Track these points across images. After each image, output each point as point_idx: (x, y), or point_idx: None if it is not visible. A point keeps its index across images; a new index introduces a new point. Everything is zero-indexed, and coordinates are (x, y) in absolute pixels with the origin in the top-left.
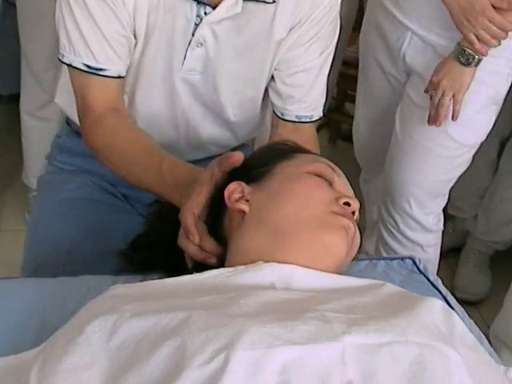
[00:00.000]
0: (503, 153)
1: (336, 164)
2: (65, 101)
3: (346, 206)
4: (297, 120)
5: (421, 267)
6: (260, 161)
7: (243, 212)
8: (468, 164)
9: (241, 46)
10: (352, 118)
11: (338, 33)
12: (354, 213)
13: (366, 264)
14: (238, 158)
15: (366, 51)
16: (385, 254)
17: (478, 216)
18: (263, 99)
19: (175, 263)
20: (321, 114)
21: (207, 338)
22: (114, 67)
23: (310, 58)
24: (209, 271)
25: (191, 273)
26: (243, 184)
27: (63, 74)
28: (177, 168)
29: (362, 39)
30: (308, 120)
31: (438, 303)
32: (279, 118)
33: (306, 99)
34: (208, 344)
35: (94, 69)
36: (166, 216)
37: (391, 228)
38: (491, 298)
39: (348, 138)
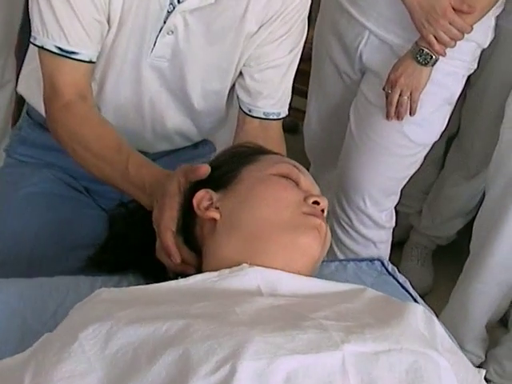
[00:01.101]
0: (449, 150)
1: None
2: (29, 90)
3: (315, 205)
4: (264, 117)
5: (389, 269)
6: (225, 166)
7: (214, 219)
8: (421, 162)
9: (211, 36)
10: (298, 111)
11: (306, 31)
12: (323, 211)
13: (337, 266)
14: (205, 170)
15: (320, 48)
16: (337, 250)
17: (422, 211)
18: (228, 96)
19: (148, 264)
20: (287, 112)
21: (211, 347)
22: (86, 51)
23: (281, 55)
24: (193, 276)
25: (171, 277)
26: (211, 191)
27: (28, 62)
28: (143, 168)
29: (317, 35)
30: (275, 117)
31: (420, 309)
32: (246, 114)
33: (275, 95)
34: (213, 353)
35: (65, 52)
36: (131, 219)
37: (344, 224)
38: (434, 291)
39: (291, 131)
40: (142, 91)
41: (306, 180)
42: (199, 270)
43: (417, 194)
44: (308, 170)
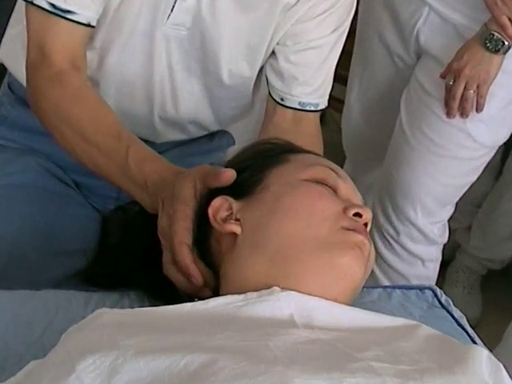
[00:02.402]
0: (508, 157)
1: None
2: (12, 57)
3: (357, 218)
4: (299, 107)
5: (442, 300)
6: (247, 167)
7: (234, 234)
8: (483, 169)
9: (241, 3)
10: (337, 101)
11: (354, 7)
12: (366, 224)
13: (380, 293)
14: (229, 177)
15: (367, 23)
16: (376, 268)
17: (472, 228)
18: (256, 79)
19: (152, 280)
20: (326, 104)
21: None
22: (85, 11)
23: (322, 34)
24: (214, 299)
25: (183, 297)
26: (230, 199)
27: (13, 24)
28: (146, 161)
29: (363, 9)
30: (313, 109)
31: (485, 354)
32: (278, 103)
33: (313, 82)
34: None
35: (60, 10)
36: (131, 225)
37: (388, 237)
38: (482, 325)
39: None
40: (153, 66)
41: (346, 186)
42: (216, 292)
43: (466, 207)
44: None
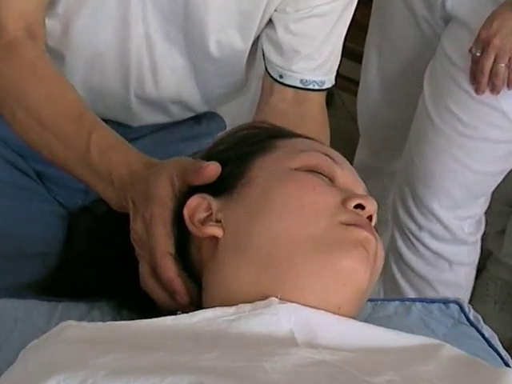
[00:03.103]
0: None
1: None
2: None
3: (359, 210)
4: (301, 86)
5: (470, 316)
6: (228, 159)
7: (215, 238)
8: None
9: None
10: (347, 80)
11: None
12: (370, 217)
13: (397, 307)
14: (213, 171)
15: None
16: (396, 271)
17: (505, 232)
18: (250, 52)
19: (126, 289)
20: (333, 82)
21: None
22: None
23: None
24: (200, 312)
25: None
26: (208, 197)
27: None
28: (112, 150)
29: None
30: (317, 87)
31: None
32: (276, 81)
33: (317, 57)
34: None
35: None
36: (98, 230)
37: (409, 234)
38: None
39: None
40: (128, 35)
41: (345, 174)
42: (199, 305)
43: (497, 207)
44: (352, 160)
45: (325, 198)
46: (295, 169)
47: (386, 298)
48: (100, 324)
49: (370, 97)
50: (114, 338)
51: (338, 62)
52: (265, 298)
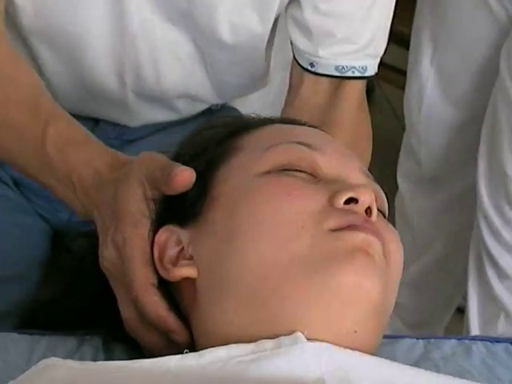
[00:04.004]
0: None
1: None
2: None
3: (352, 205)
4: (337, 74)
5: None
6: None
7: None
8: None
9: None
10: (391, 69)
11: None
12: (368, 211)
13: (454, 346)
14: (188, 178)
15: None
16: (492, 275)
17: None
18: (270, 36)
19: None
20: (376, 69)
21: None
22: None
23: None
24: (211, 351)
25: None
26: (175, 228)
27: None
28: (70, 147)
29: None
30: (358, 74)
31: None
32: (306, 70)
33: (357, 39)
34: None
35: None
36: (87, 252)
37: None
38: None
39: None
40: (122, 16)
41: (329, 160)
42: (191, 346)
43: None
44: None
45: (305, 204)
46: (264, 172)
47: (440, 336)
48: (89, 363)
49: (424, 94)
50: (105, 380)
51: (384, 44)
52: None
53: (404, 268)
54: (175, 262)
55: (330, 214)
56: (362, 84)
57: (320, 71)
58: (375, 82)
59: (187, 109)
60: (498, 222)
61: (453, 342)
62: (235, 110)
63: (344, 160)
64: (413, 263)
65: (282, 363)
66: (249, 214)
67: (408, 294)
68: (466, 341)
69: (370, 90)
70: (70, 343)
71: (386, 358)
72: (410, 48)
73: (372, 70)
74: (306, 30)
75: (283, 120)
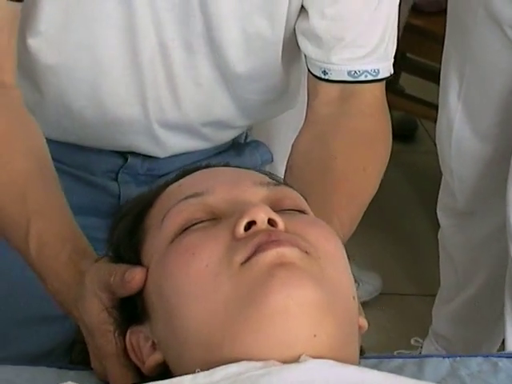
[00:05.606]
0: None
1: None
2: None
3: (253, 227)
4: (350, 79)
5: None
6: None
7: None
8: None
9: None
10: (416, 100)
11: None
12: (272, 223)
13: (480, 364)
14: (139, 280)
15: None
16: None
17: None
18: (288, 51)
19: None
20: (391, 70)
21: None
22: None
23: None
24: (222, 368)
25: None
26: (139, 327)
27: None
28: (45, 252)
29: None
30: (370, 78)
31: None
32: (320, 79)
33: (365, 42)
34: None
35: None
36: None
37: None
38: None
39: (403, 137)
40: (137, 44)
41: (220, 196)
42: None
43: None
44: None
45: (210, 253)
46: (170, 242)
47: (467, 354)
48: None
49: (453, 127)
50: None
51: (394, 47)
52: None
53: (448, 301)
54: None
55: (235, 249)
56: (376, 88)
57: (333, 78)
58: (418, 121)
59: (214, 136)
60: None
61: (479, 359)
62: (262, 144)
63: (234, 186)
64: (456, 296)
65: (292, 378)
66: (170, 286)
67: (452, 327)
68: (493, 358)
69: (413, 129)
70: (96, 377)
71: (413, 377)
72: (440, 83)
73: (385, 72)
74: (315, 37)
75: (175, 178)
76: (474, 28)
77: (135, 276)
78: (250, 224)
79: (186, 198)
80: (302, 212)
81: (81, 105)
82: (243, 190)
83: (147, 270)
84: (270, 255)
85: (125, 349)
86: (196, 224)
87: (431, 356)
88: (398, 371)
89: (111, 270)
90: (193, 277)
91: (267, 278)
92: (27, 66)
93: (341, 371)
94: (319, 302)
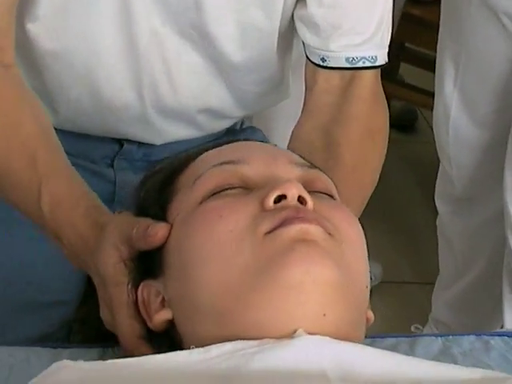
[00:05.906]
0: None
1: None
2: None
3: (283, 201)
4: (348, 66)
5: None
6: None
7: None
8: None
9: None
10: (416, 90)
11: None
12: (302, 200)
13: (472, 342)
14: (163, 234)
15: None
16: None
17: None
18: (283, 42)
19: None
20: (386, 58)
21: None
22: None
23: None
24: (217, 346)
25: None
26: (151, 282)
27: None
28: (61, 206)
29: None
30: (369, 64)
31: None
32: (318, 66)
33: (363, 29)
34: None
35: None
36: None
37: None
38: None
39: (403, 127)
40: (133, 32)
41: (256, 167)
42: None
43: None
44: None
45: (237, 218)
46: (200, 202)
47: (459, 332)
48: (98, 363)
49: (450, 115)
50: (115, 378)
51: (389, 35)
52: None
53: (447, 287)
54: (157, 311)
55: (262, 218)
56: (373, 75)
57: (331, 65)
58: (418, 111)
59: (210, 125)
60: None
61: (471, 337)
62: (257, 130)
63: (268, 163)
64: (455, 282)
65: (286, 355)
66: (191, 246)
67: (451, 314)
68: (485, 336)
69: (413, 120)
70: (91, 354)
71: (405, 355)
72: (436, 71)
73: (381, 59)
74: (313, 25)
75: (213, 146)
76: (469, 15)
77: (158, 231)
78: (280, 198)
79: (222, 163)
80: (331, 197)
81: (77, 91)
82: (279, 166)
83: (171, 227)
84: (295, 230)
85: (136, 301)
86: (227, 189)
87: (424, 335)
88: (392, 350)
89: (134, 223)
90: (215, 239)
91: (288, 251)
92: (26, 51)
93: (336, 347)
94: (335, 282)
